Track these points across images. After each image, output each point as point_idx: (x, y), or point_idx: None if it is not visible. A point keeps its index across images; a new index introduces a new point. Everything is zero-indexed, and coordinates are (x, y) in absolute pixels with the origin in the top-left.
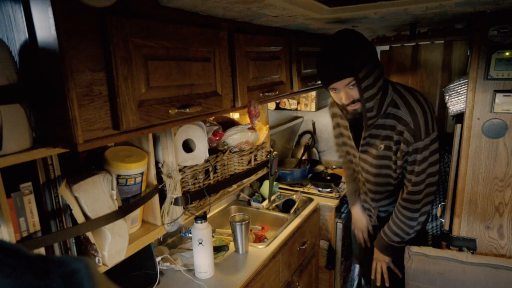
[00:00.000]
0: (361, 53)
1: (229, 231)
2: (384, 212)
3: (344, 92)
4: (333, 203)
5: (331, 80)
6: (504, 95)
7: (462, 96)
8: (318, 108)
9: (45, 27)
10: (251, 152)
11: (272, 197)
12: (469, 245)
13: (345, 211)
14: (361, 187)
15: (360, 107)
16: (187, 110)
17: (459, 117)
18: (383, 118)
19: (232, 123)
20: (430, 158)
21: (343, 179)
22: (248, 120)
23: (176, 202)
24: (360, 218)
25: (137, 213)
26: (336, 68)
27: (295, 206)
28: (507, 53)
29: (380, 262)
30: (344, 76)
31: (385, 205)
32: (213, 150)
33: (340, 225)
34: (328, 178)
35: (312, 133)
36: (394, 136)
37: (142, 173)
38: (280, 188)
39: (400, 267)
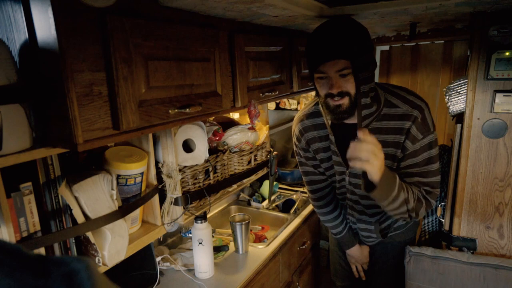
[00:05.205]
0: (362, 40)
1: (229, 231)
2: (387, 220)
3: (333, 79)
4: None
5: (322, 59)
6: (504, 95)
7: (462, 96)
8: None
9: (45, 27)
10: (251, 152)
11: (272, 197)
12: (469, 245)
13: None
14: (350, 211)
15: (347, 104)
16: (187, 110)
17: (459, 117)
18: (378, 121)
19: (232, 123)
20: (436, 153)
21: (329, 223)
22: (248, 120)
23: (176, 202)
24: (359, 255)
25: (137, 213)
26: (331, 45)
27: (295, 206)
28: (507, 53)
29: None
30: (338, 56)
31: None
32: (213, 150)
33: None
34: None
35: None
36: (401, 138)
37: (142, 173)
38: (280, 188)
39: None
